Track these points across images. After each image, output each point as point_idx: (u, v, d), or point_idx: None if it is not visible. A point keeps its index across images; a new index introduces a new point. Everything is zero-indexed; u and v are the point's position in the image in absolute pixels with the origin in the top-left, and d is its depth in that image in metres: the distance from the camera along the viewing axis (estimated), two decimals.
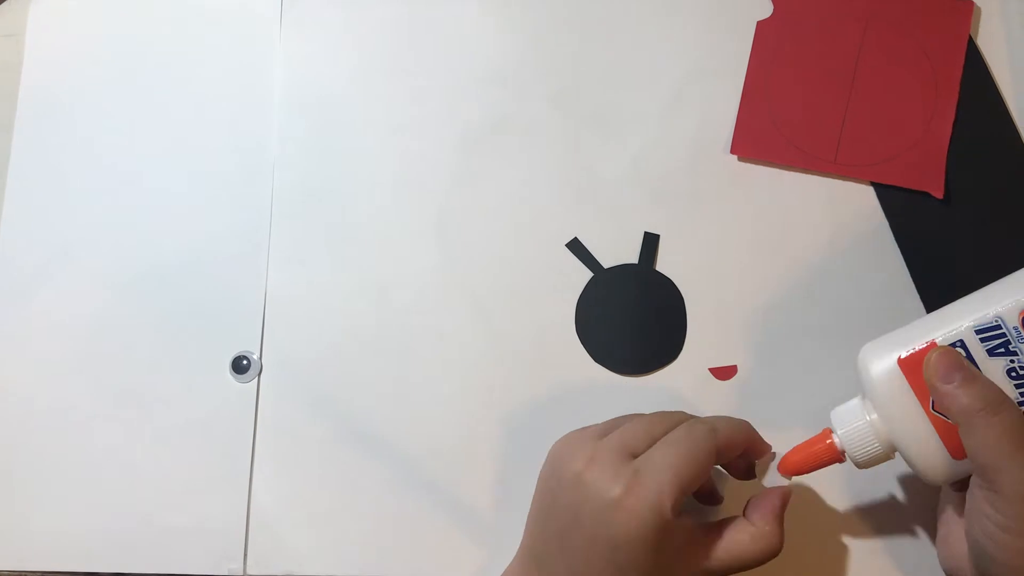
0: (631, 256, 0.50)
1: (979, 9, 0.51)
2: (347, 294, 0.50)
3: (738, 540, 0.41)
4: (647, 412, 0.45)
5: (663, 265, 0.50)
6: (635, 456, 0.40)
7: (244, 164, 0.51)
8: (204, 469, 0.48)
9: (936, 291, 0.49)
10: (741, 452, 0.43)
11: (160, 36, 0.53)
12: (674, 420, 0.42)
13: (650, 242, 0.50)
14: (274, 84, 0.52)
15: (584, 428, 0.42)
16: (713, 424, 0.41)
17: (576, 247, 0.50)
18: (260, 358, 0.49)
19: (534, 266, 0.50)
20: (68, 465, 0.48)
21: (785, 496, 0.42)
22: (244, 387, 0.49)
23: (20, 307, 0.50)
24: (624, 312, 0.49)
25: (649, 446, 0.40)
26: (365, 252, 0.50)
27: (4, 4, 0.53)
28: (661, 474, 0.38)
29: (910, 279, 0.49)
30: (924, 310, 0.48)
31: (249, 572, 0.47)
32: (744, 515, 0.42)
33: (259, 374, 0.49)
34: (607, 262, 0.50)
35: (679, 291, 0.49)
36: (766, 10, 0.51)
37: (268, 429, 0.48)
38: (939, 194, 0.49)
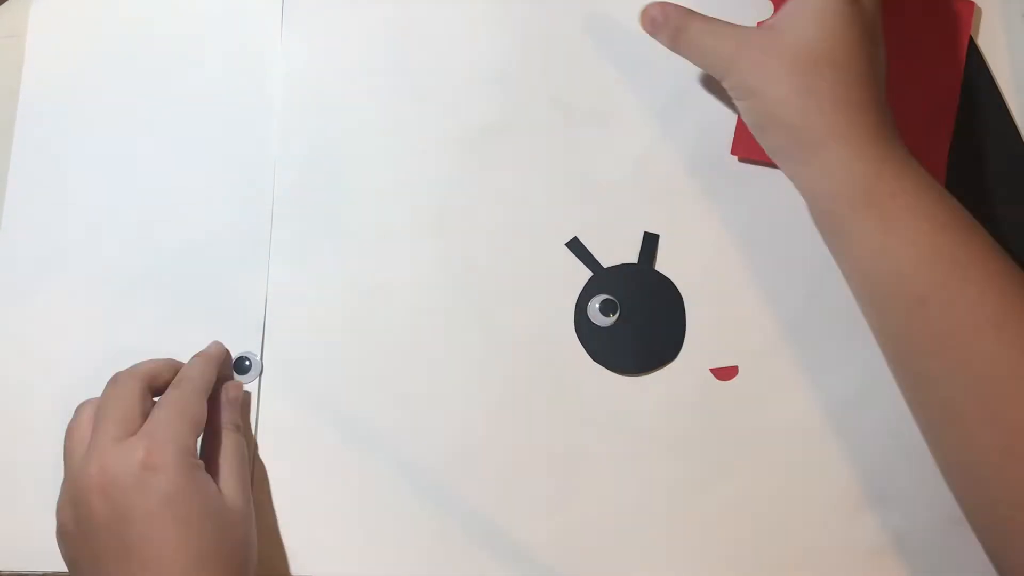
0: (631, 256, 0.50)
1: (980, 9, 0.51)
2: (348, 294, 0.50)
3: None
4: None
5: (663, 265, 0.50)
6: (133, 432, 0.41)
7: (245, 164, 0.51)
8: None
9: None
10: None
11: (161, 36, 0.53)
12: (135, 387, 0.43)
13: (650, 242, 0.50)
14: (275, 84, 0.52)
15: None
16: (183, 374, 0.45)
17: (576, 246, 0.50)
18: (261, 359, 0.49)
19: (534, 265, 0.50)
20: None
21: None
22: (245, 388, 0.49)
23: (20, 307, 0.50)
24: (624, 312, 0.49)
25: (144, 416, 0.42)
26: (366, 252, 0.50)
27: (5, 5, 0.53)
28: (172, 423, 0.41)
29: None
30: None
31: None
32: None
33: (260, 375, 0.49)
34: (607, 262, 0.50)
35: (679, 291, 0.49)
36: (766, 11, 0.51)
37: (269, 430, 0.48)
38: None
